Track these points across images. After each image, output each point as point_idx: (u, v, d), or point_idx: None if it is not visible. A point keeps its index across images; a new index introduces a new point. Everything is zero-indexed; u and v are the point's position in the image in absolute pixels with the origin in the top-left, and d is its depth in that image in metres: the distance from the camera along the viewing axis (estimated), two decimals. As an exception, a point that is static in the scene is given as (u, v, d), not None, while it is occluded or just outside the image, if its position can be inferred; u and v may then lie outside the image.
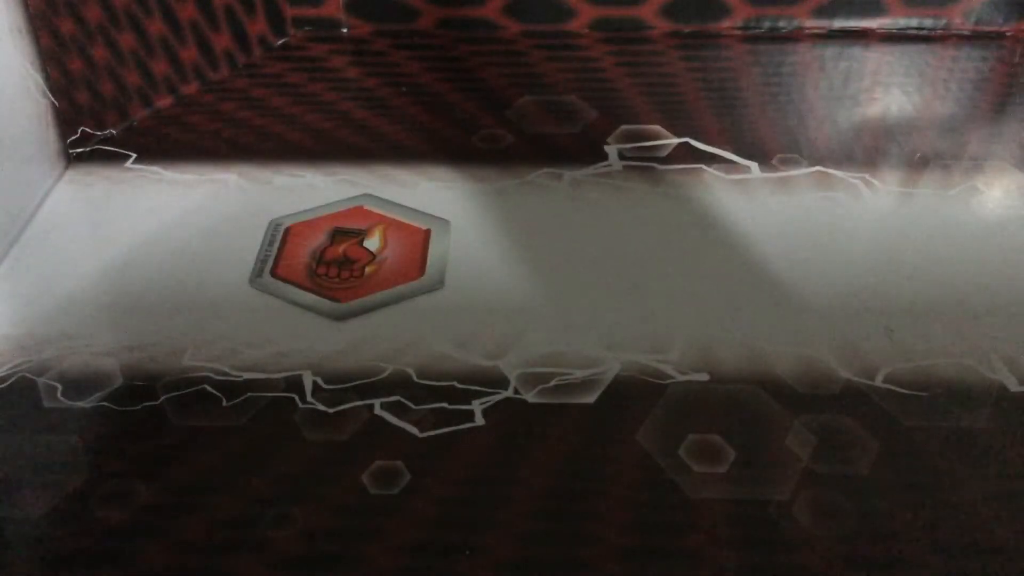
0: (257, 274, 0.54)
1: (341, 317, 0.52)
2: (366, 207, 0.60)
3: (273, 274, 0.55)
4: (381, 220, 0.59)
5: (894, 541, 0.41)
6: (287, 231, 0.58)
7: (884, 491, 0.43)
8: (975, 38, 0.82)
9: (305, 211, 0.60)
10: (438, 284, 0.54)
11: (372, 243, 0.57)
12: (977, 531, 0.41)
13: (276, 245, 0.57)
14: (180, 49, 0.72)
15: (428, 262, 0.56)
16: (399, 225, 0.59)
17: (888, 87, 0.74)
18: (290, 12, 0.81)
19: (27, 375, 0.49)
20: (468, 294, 0.54)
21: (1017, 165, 0.64)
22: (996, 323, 0.52)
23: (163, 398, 0.47)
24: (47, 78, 0.62)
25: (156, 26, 0.70)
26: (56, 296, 0.54)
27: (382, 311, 0.53)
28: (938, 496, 0.43)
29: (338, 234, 0.58)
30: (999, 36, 0.82)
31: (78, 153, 0.66)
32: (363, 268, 0.55)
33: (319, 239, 0.57)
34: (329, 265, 0.55)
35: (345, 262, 0.56)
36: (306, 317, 0.52)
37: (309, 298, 0.53)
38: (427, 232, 0.58)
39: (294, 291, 0.53)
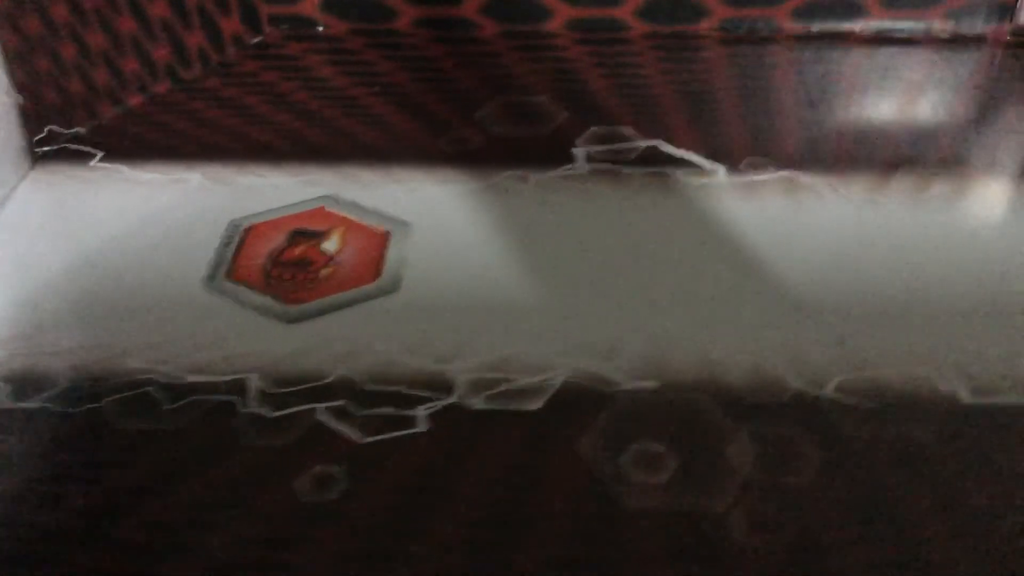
0: (211, 275, 0.54)
1: (291, 320, 0.52)
2: (327, 208, 0.60)
3: (227, 275, 0.54)
4: (341, 222, 0.59)
5: (828, 554, 0.40)
6: (246, 232, 0.58)
7: (822, 503, 0.42)
8: (955, 42, 0.81)
9: (265, 212, 0.59)
10: (393, 287, 0.54)
11: (330, 245, 0.57)
12: (915, 546, 0.41)
13: (233, 246, 0.56)
14: (151, 48, 0.72)
15: (384, 265, 0.55)
16: (359, 227, 0.58)
17: (863, 91, 0.74)
18: (266, 10, 0.81)
19: (-25, 376, 0.49)
20: (423, 298, 0.54)
21: (986, 172, 0.64)
22: (953, 333, 0.51)
23: (106, 400, 0.47)
24: (13, 77, 0.62)
25: (126, 24, 0.70)
26: (16, 297, 0.54)
27: (335, 314, 0.53)
28: (878, 509, 0.42)
29: (297, 236, 0.57)
30: (980, 40, 0.81)
31: (44, 152, 0.66)
32: (319, 271, 0.55)
33: (278, 240, 0.57)
34: (284, 267, 0.55)
35: (301, 264, 0.55)
36: (258, 320, 0.52)
37: (260, 300, 0.53)
38: (386, 234, 0.58)
39: (246, 293, 0.53)
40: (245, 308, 0.53)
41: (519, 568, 0.40)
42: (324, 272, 0.55)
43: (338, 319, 0.52)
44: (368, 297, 0.53)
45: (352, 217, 0.59)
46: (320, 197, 0.61)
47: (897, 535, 0.41)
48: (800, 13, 0.81)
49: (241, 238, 0.57)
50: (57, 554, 0.41)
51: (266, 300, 0.53)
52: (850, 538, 0.41)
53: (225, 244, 0.56)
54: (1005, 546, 0.41)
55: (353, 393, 0.48)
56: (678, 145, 0.67)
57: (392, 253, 0.56)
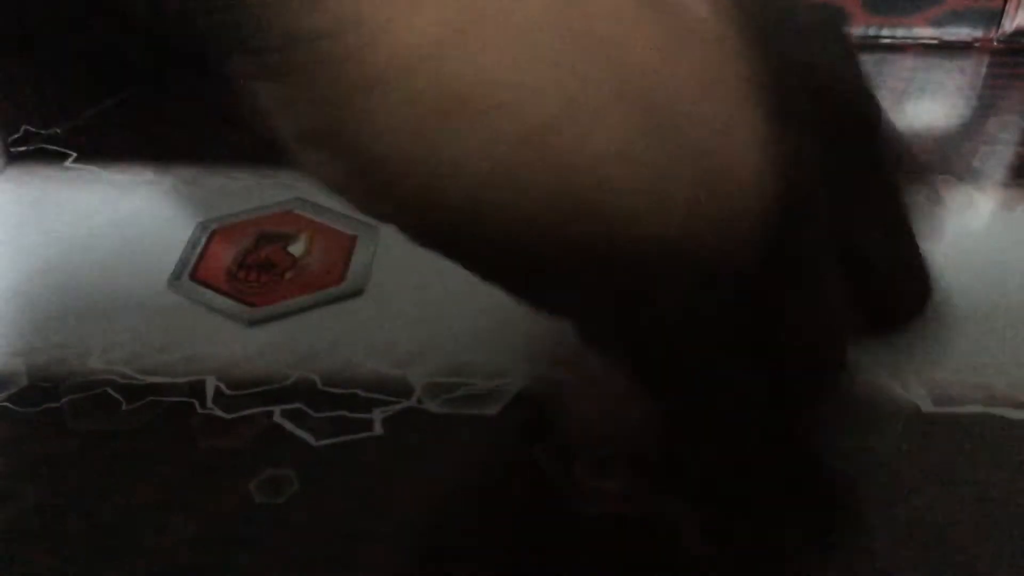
0: (176, 276, 0.54)
1: (253, 322, 0.52)
2: (296, 211, 0.60)
3: (192, 277, 0.54)
4: (310, 225, 0.59)
5: (778, 563, 0.40)
6: (213, 233, 0.58)
7: (778, 511, 0.42)
8: (941, 48, 0.81)
9: (234, 214, 0.59)
10: (357, 291, 0.54)
11: (297, 248, 0.57)
12: (864, 556, 0.40)
13: (200, 248, 0.56)
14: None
15: (350, 268, 0.55)
16: (327, 230, 0.58)
17: (843, 97, 0.73)
18: (249, 13, 0.81)
19: (-65, 375, 0.49)
20: (387, 301, 0.54)
21: (962, 179, 0.63)
22: (918, 340, 0.51)
23: (64, 400, 0.47)
24: (-13, 76, 0.63)
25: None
26: (-23, 295, 0.54)
27: (297, 317, 0.52)
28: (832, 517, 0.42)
29: (264, 238, 0.57)
30: (966, 47, 0.81)
31: (19, 152, 0.66)
32: (283, 273, 0.55)
33: (245, 242, 0.57)
34: (250, 269, 0.55)
35: (266, 266, 0.55)
36: (220, 321, 0.52)
37: (223, 302, 0.53)
38: (354, 238, 0.57)
39: (210, 295, 0.53)
40: (208, 309, 0.52)
41: (470, 572, 0.40)
42: (289, 275, 0.55)
43: (300, 322, 0.52)
44: (331, 300, 0.53)
45: (321, 220, 0.59)
46: (290, 200, 0.61)
47: (851, 544, 0.41)
48: (783, 19, 0.81)
49: (208, 240, 0.57)
50: (6, 552, 0.41)
51: (228, 301, 0.53)
52: (803, 546, 0.41)
53: (192, 246, 0.56)
54: (962, 556, 0.41)
55: (310, 396, 0.48)
56: (653, 150, 0.66)
57: (359, 257, 0.56)
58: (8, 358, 0.50)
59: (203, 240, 0.57)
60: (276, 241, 0.57)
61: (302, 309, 0.53)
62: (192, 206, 0.61)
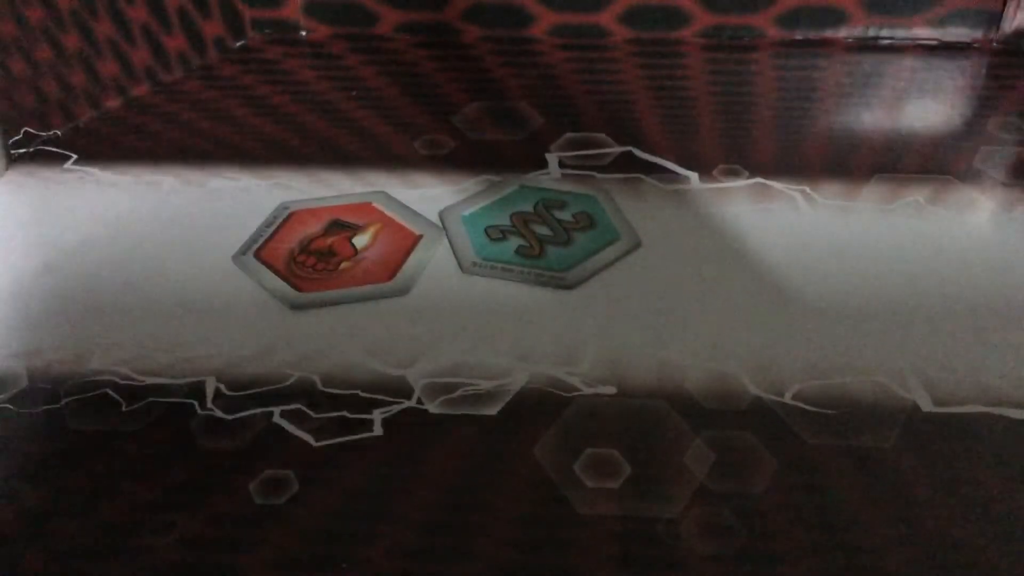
0: (243, 251, 0.56)
1: (296, 306, 0.53)
2: (375, 204, 0.60)
3: (256, 254, 0.56)
4: (382, 219, 0.59)
5: (780, 562, 0.40)
6: (291, 215, 0.59)
7: (776, 510, 0.42)
8: (941, 49, 0.80)
9: (316, 199, 0.61)
10: (402, 291, 0.54)
11: (361, 240, 0.57)
12: (864, 555, 0.40)
13: (274, 226, 0.59)
14: (130, 51, 0.72)
15: (403, 268, 0.55)
16: (396, 226, 0.59)
17: (843, 98, 0.74)
18: (249, 14, 0.81)
19: (-65, 375, 0.49)
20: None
21: (962, 179, 0.63)
22: (918, 340, 0.51)
23: (64, 401, 0.47)
24: (-13, 78, 0.62)
25: (104, 27, 0.70)
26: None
27: (331, 309, 0.52)
28: (830, 518, 0.42)
29: (334, 225, 0.58)
30: (966, 47, 0.81)
31: (19, 154, 0.66)
32: (340, 263, 0.55)
33: (315, 227, 0.59)
34: (310, 254, 0.56)
35: (327, 254, 0.56)
36: (218, 321, 0.52)
37: (274, 282, 0.54)
38: (418, 238, 0.58)
39: (265, 273, 0.55)
40: (261, 287, 0.54)
41: (470, 573, 0.40)
42: (345, 265, 0.55)
43: (333, 314, 0.52)
44: (374, 296, 0.54)
45: (393, 215, 0.59)
46: (373, 192, 0.62)
47: (850, 544, 0.41)
48: (783, 20, 0.81)
49: (284, 220, 0.59)
50: (6, 554, 0.41)
51: (279, 283, 0.54)
52: (803, 545, 0.41)
53: (268, 224, 0.58)
54: (961, 556, 0.40)
55: (310, 396, 0.48)
56: (652, 152, 0.67)
57: (415, 257, 0.56)
58: (8, 359, 0.50)
59: (280, 219, 0.58)
60: (345, 230, 0.58)
61: (344, 301, 0.53)
62: (191, 206, 0.61)
